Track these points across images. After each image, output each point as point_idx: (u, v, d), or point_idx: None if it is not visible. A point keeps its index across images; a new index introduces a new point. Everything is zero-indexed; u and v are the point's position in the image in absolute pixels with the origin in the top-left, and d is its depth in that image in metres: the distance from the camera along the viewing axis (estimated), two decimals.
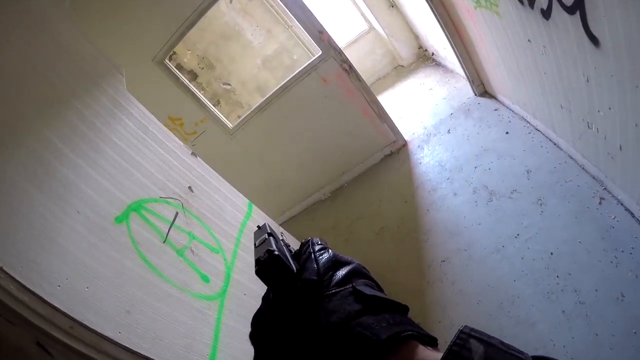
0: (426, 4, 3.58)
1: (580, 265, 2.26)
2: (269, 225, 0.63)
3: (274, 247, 0.55)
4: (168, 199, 1.96)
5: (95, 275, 1.38)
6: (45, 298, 1.17)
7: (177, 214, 1.94)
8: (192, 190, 2.15)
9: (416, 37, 5.98)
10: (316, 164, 4.42)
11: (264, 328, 0.56)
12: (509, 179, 3.03)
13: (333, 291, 0.50)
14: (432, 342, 0.47)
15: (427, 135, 4.25)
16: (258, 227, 0.64)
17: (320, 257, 0.55)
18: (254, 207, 2.69)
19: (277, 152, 4.34)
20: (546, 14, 1.92)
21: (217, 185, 2.45)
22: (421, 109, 4.81)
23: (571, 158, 2.74)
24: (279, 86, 4.00)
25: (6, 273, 1.14)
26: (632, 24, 1.32)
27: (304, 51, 4.88)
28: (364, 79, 4.05)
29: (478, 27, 3.14)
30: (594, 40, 1.64)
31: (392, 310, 0.49)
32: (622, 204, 2.31)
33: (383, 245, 3.41)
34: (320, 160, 4.41)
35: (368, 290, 0.50)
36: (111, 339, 1.27)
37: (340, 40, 6.12)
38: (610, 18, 1.44)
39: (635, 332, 1.88)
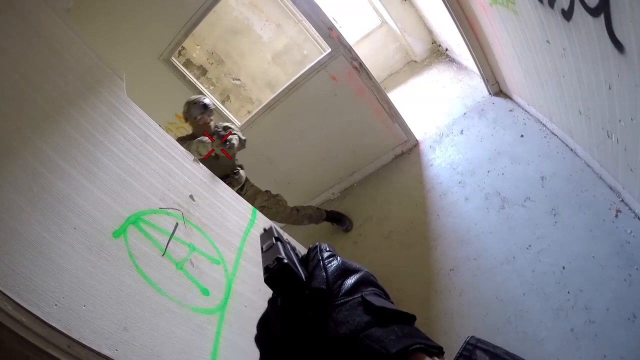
0: None
1: (593, 281, 2.15)
2: (275, 229, 0.63)
3: (283, 254, 0.54)
4: (168, 210, 1.89)
5: (93, 293, 1.34)
6: (43, 318, 1.15)
7: (177, 225, 1.87)
8: (193, 199, 2.07)
9: (430, 32, 5.83)
10: (325, 162, 4.34)
11: (271, 332, 0.56)
12: (523, 185, 2.91)
13: (342, 301, 0.51)
14: (439, 352, 0.47)
15: (439, 135, 4.12)
16: (264, 229, 0.63)
17: (329, 265, 0.55)
18: (259, 213, 2.61)
19: (285, 151, 4.26)
20: (567, 14, 1.79)
21: (220, 192, 2.37)
22: (434, 108, 4.68)
23: (588, 166, 2.61)
24: (287, 84, 3.91)
25: (2, 293, 1.12)
26: None
27: (314, 46, 4.77)
28: (376, 74, 3.96)
29: (493, 24, 3.00)
30: (618, 45, 1.51)
31: (401, 320, 0.49)
32: (638, 218, 2.19)
33: (391, 249, 3.32)
34: (330, 159, 4.32)
35: (377, 301, 0.51)
36: (109, 357, 1.25)
37: (353, 35, 6.01)
38: (638, 23, 1.31)
39: None
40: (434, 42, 5.92)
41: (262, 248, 0.60)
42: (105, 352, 1.24)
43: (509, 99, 3.74)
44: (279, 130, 4.15)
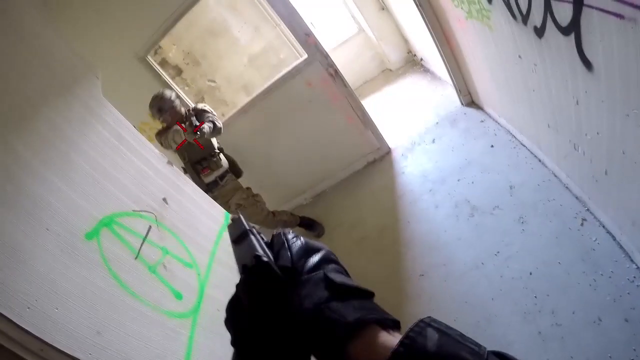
0: (416, 9, 3.52)
1: (559, 286, 2.24)
2: (243, 219, 0.64)
3: (260, 251, 0.56)
4: (141, 213, 1.85)
5: (65, 296, 1.31)
6: (15, 320, 1.11)
7: (150, 227, 1.83)
8: (166, 202, 2.04)
9: (406, 41, 5.93)
10: (298, 168, 4.35)
11: (240, 314, 0.58)
12: (492, 194, 3.00)
13: (306, 277, 0.53)
14: (395, 326, 0.50)
15: (411, 143, 4.20)
16: (232, 220, 0.64)
17: (294, 245, 0.58)
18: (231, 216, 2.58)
19: (258, 155, 4.24)
20: (539, 32, 1.87)
21: (193, 195, 2.34)
22: (407, 116, 4.77)
23: (555, 176, 2.72)
24: (262, 88, 3.91)
25: None
26: (629, 54, 1.27)
27: (291, 51, 4.77)
28: (351, 81, 4.00)
29: (468, 37, 3.10)
30: (587, 63, 1.59)
31: (360, 296, 0.52)
32: (604, 227, 2.31)
33: (363, 255, 3.36)
34: (303, 165, 4.33)
35: (338, 277, 0.53)
36: None
37: (329, 41, 6.04)
38: (606, 44, 1.39)
39: (610, 357, 1.87)
40: (409, 51, 6.03)
41: (232, 240, 0.61)
42: (79, 355, 1.22)
43: (481, 110, 3.85)
44: (252, 134, 4.13)
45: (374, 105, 5.42)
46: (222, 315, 0.60)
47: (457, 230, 2.96)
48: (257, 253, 0.55)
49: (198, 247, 2.09)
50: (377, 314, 0.50)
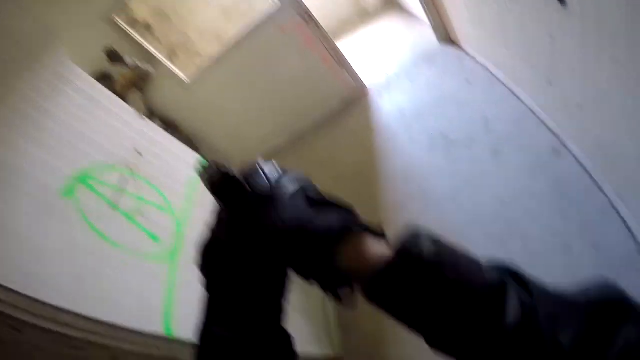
0: None
1: (530, 214, 2.39)
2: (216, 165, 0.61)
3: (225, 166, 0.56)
4: (115, 166, 1.92)
5: (49, 253, 1.40)
6: (3, 283, 1.18)
7: (124, 178, 1.91)
8: (140, 154, 2.10)
9: None
10: (276, 112, 4.35)
11: (217, 253, 0.59)
12: (468, 128, 3.10)
13: (282, 192, 0.53)
14: (382, 234, 0.51)
15: (388, 82, 4.22)
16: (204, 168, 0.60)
17: (266, 167, 0.57)
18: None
19: (236, 103, 4.21)
20: None
21: (169, 146, 2.42)
22: (384, 56, 4.73)
23: (531, 111, 2.81)
24: (235, 37, 3.83)
25: None
26: None
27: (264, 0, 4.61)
28: (327, 23, 3.92)
29: None
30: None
31: (340, 209, 0.52)
32: (576, 159, 2.41)
33: (341, 191, 3.41)
34: (281, 109, 4.33)
35: (316, 193, 0.55)
36: (69, 310, 1.30)
37: None
38: None
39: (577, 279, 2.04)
40: None
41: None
42: (65, 305, 1.30)
43: (458, 48, 3.86)
44: (228, 84, 4.09)
45: (350, 46, 5.32)
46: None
47: (433, 163, 3.08)
48: (220, 168, 0.55)
49: (174, 193, 2.18)
50: (362, 222, 0.51)
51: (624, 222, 2.06)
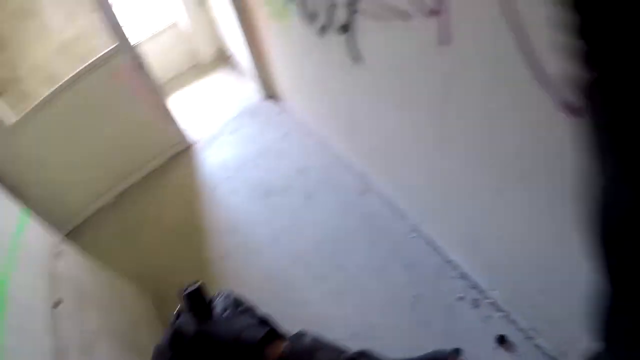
0: (230, 7, 3.67)
1: (345, 248, 2.64)
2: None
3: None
4: None
5: None
6: None
7: None
8: None
9: (219, 37, 5.93)
10: (102, 165, 3.94)
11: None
12: (284, 177, 3.36)
13: (219, 314, 0.63)
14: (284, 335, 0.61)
15: (213, 136, 4.33)
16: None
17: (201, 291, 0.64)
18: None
19: (60, 153, 3.68)
20: (322, 32, 2.25)
21: None
22: (211, 110, 4.85)
23: (339, 158, 3.20)
24: (65, 80, 3.46)
25: None
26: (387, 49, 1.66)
27: (103, 41, 4.34)
28: (161, 74, 3.85)
29: (270, 34, 3.38)
30: (356, 58, 2.00)
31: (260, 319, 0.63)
32: (381, 194, 2.79)
33: (167, 248, 3.28)
34: (106, 162, 3.95)
35: (243, 308, 0.63)
36: None
37: (142, 31, 5.67)
38: (373, 41, 1.79)
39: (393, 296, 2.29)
40: (221, 47, 6.02)
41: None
42: None
43: (280, 102, 4.22)
44: (54, 131, 3.57)
45: (182, 99, 5.34)
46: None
47: (254, 211, 3.21)
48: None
49: None
50: (276, 327, 0.61)
51: (428, 240, 2.42)
